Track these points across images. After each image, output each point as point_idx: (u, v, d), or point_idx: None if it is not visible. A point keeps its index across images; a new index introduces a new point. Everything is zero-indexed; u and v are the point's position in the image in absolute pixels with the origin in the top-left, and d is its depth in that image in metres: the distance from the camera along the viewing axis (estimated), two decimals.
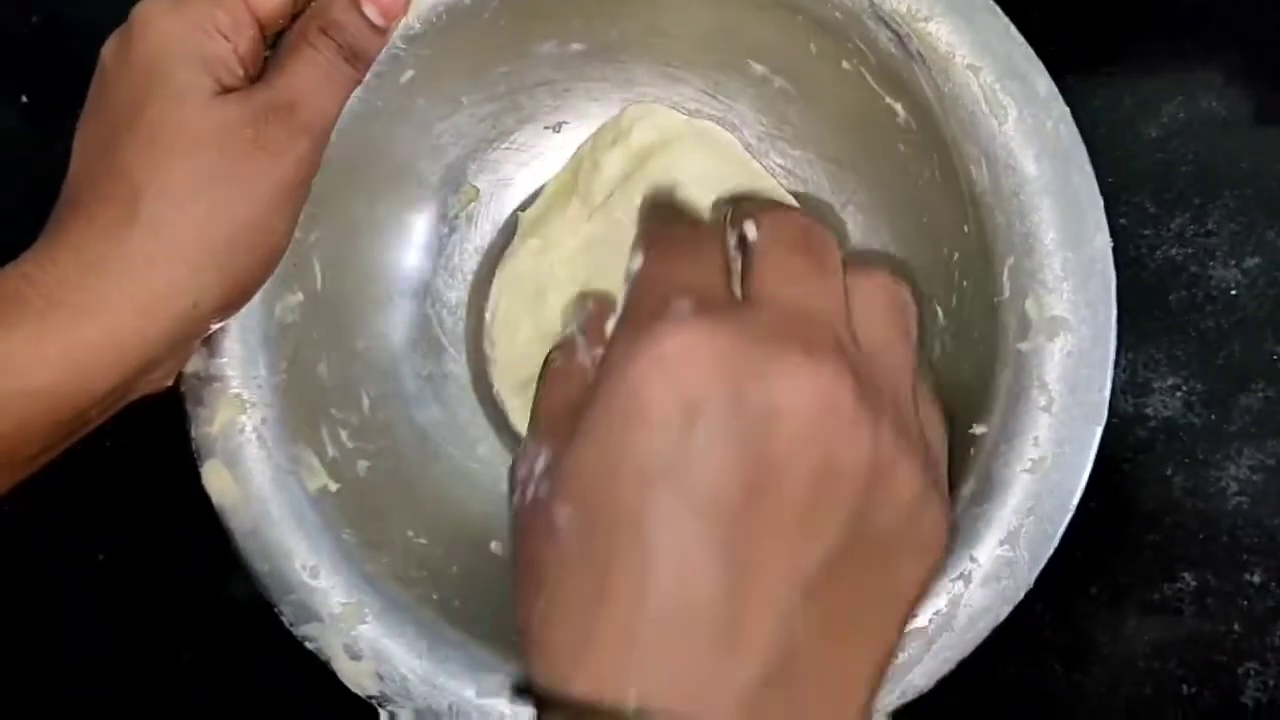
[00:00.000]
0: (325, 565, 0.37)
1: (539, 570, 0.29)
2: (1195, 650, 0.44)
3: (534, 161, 0.44)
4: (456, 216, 0.44)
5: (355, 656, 0.36)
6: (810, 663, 0.27)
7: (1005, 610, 0.36)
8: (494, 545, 0.41)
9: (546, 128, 0.44)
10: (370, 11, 0.37)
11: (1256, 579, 0.44)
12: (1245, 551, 0.44)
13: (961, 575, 0.36)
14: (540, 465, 0.30)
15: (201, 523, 0.37)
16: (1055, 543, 0.36)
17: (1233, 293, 0.45)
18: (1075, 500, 0.36)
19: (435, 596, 0.38)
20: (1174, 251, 0.45)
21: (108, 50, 0.35)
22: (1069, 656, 0.45)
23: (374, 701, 0.36)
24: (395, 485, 0.40)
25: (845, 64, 0.40)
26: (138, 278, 0.32)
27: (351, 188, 0.40)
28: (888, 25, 0.38)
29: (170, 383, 0.37)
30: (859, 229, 0.43)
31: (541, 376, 0.33)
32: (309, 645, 0.36)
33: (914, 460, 0.29)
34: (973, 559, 0.36)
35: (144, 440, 0.40)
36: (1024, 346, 0.37)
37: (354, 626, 0.37)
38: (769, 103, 0.43)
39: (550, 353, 0.34)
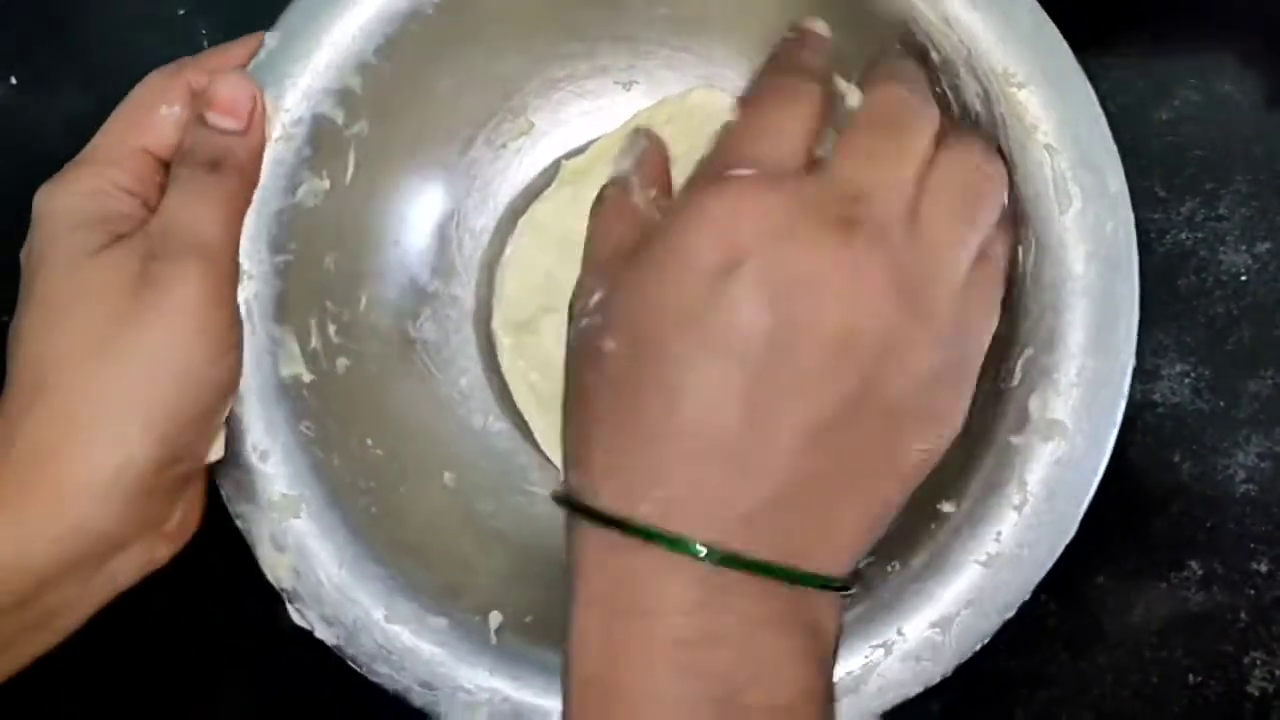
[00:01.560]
0: (277, 452, 0.37)
1: (585, 394, 0.32)
2: (1201, 639, 0.44)
3: (597, 113, 0.43)
4: (504, 145, 0.43)
5: (280, 548, 0.36)
6: (809, 501, 0.31)
7: (915, 690, 0.35)
8: (447, 476, 0.41)
9: (617, 83, 0.43)
10: (216, 120, 0.35)
11: (1264, 567, 0.44)
12: (1253, 540, 0.44)
13: (883, 644, 0.35)
14: (595, 300, 0.33)
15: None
16: (984, 641, 0.35)
17: (1243, 278, 0.44)
18: (1019, 603, 0.35)
19: (374, 510, 0.38)
20: (1184, 236, 0.44)
21: (21, 256, 0.34)
22: (1074, 644, 0.45)
23: (284, 595, 0.36)
24: (368, 392, 0.40)
25: None
26: (55, 449, 0.31)
27: (409, 91, 0.40)
28: (979, 81, 0.37)
29: (164, 556, 0.35)
30: None
31: (594, 213, 0.36)
32: (238, 523, 0.37)
33: (933, 342, 0.31)
34: (900, 632, 0.35)
35: None
36: (1015, 440, 0.36)
37: (287, 519, 0.37)
38: (840, 118, 0.42)
39: (604, 189, 0.37)
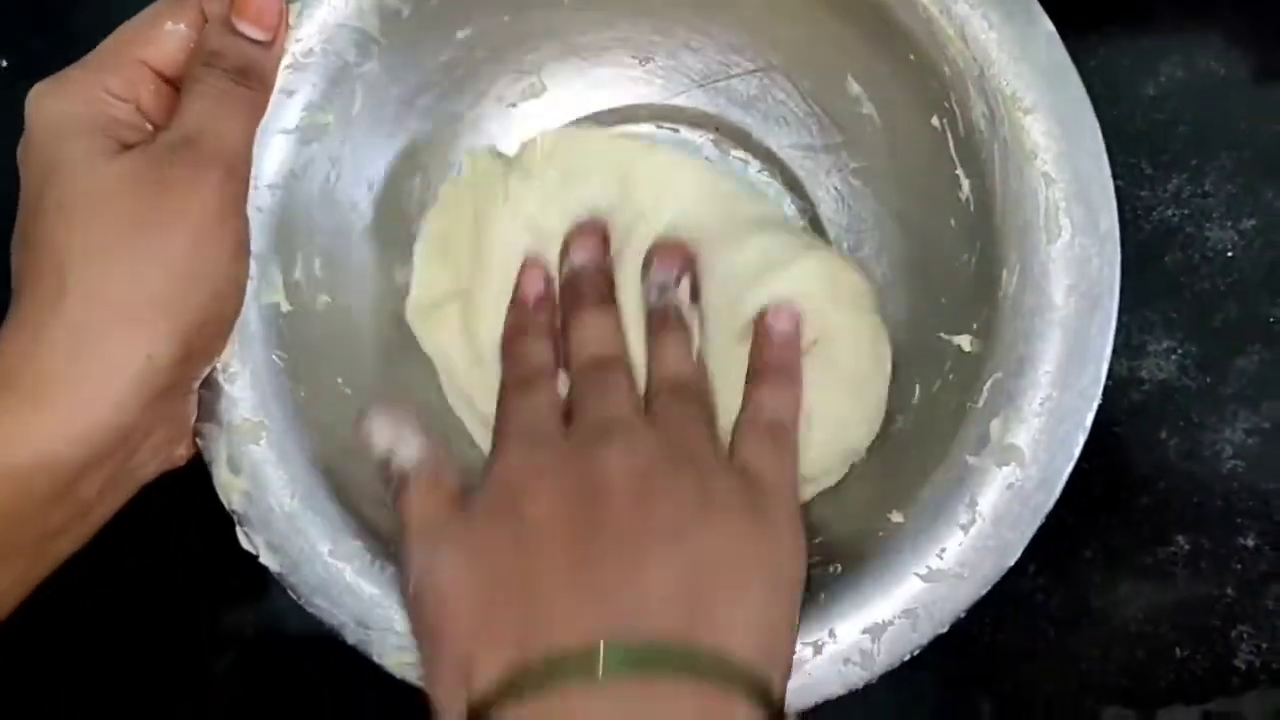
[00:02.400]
0: (245, 376, 0.37)
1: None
2: (1188, 614, 0.44)
3: (610, 83, 0.44)
4: (514, 104, 0.43)
5: (235, 470, 0.37)
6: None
7: (838, 692, 0.36)
8: None
9: (634, 56, 0.43)
10: (245, 28, 0.36)
11: (1250, 542, 0.44)
12: (1239, 515, 0.44)
13: (814, 644, 0.36)
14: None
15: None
16: (914, 652, 0.35)
17: (1229, 254, 0.44)
18: (952, 621, 0.36)
19: (334, 447, 0.38)
20: (1170, 212, 0.45)
21: (18, 154, 0.34)
22: (1061, 620, 0.45)
23: (235, 518, 0.37)
24: (346, 330, 0.40)
25: (935, 120, 0.39)
26: (81, 347, 0.32)
27: (425, 37, 0.40)
28: (987, 101, 0.37)
29: (183, 454, 0.36)
30: (884, 271, 0.43)
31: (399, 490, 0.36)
32: (198, 441, 0.37)
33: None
34: (831, 634, 0.36)
35: None
36: (972, 460, 0.36)
37: (246, 443, 0.37)
38: (851, 122, 0.42)
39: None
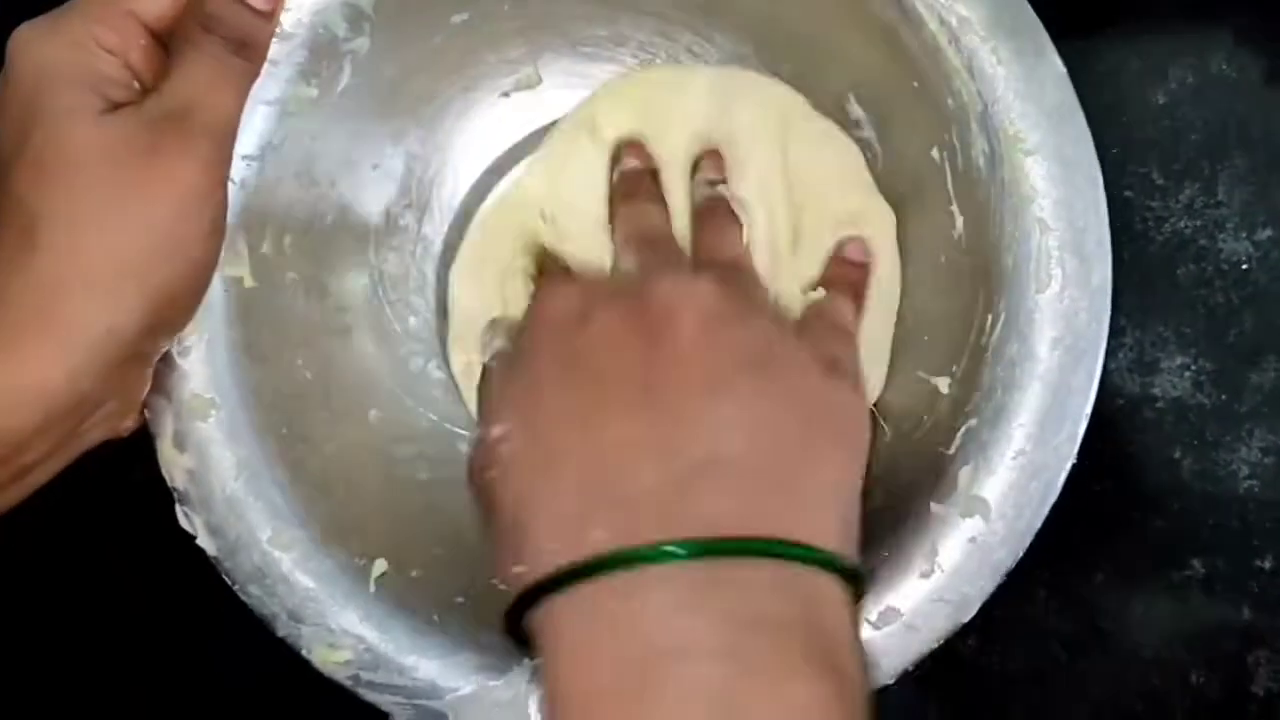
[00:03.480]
0: (200, 350, 0.36)
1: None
2: (1204, 638, 0.43)
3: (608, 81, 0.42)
4: (507, 95, 0.42)
5: (180, 447, 0.36)
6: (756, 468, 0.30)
7: None
8: (372, 414, 0.40)
9: (635, 57, 0.42)
10: None
11: (1267, 565, 0.43)
12: (1256, 536, 0.43)
13: None
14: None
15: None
16: None
17: (1244, 266, 0.43)
18: (899, 673, 0.35)
19: (286, 431, 0.37)
20: (1182, 224, 0.43)
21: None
22: (1073, 645, 0.44)
23: (175, 495, 0.36)
24: (310, 308, 0.39)
25: (934, 153, 0.38)
26: (45, 307, 0.31)
27: (420, 17, 0.39)
28: (989, 138, 0.36)
29: (129, 425, 0.35)
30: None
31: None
32: (145, 413, 0.36)
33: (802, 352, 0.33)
34: None
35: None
36: (936, 508, 0.35)
37: (195, 420, 0.36)
38: None
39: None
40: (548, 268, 0.40)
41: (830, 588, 0.29)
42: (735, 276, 0.36)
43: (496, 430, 0.33)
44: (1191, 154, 0.43)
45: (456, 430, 0.42)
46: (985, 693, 0.44)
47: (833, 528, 0.30)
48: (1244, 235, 0.43)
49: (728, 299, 0.33)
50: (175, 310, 0.34)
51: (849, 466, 0.32)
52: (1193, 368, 0.43)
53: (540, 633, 0.30)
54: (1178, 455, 0.43)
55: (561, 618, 0.29)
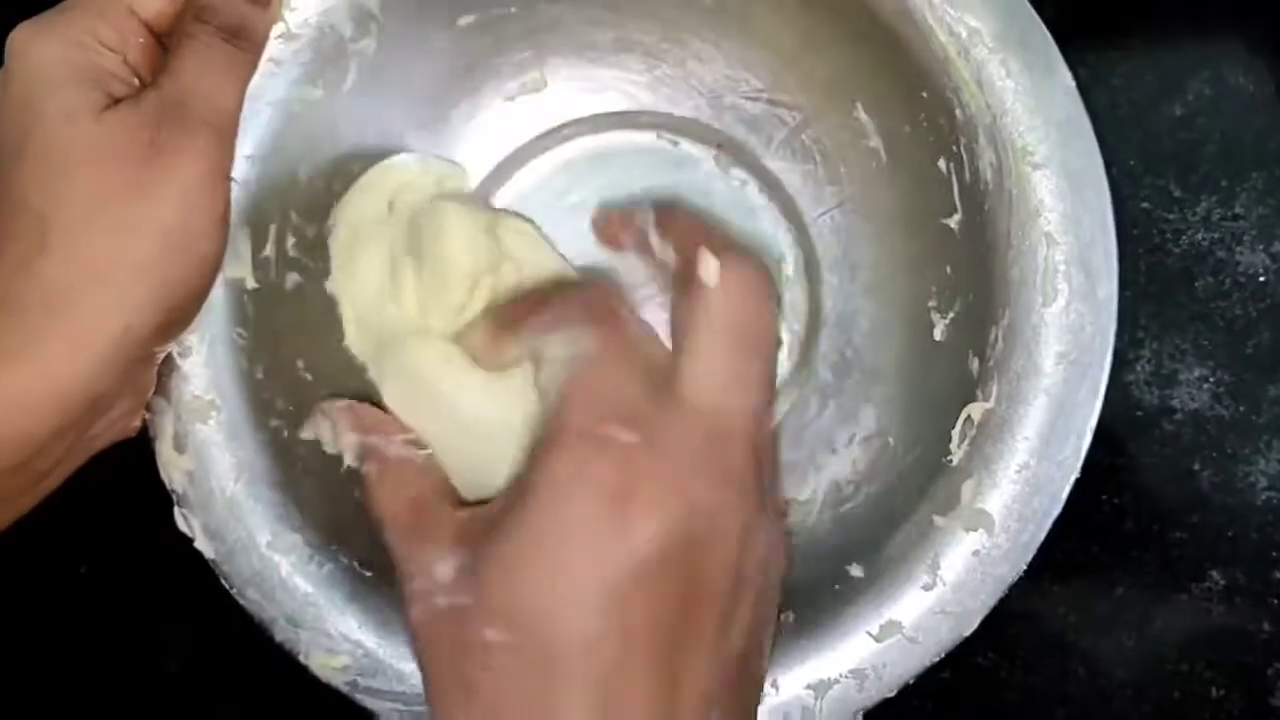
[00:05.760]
0: (202, 353, 0.36)
1: (470, 689, 0.31)
2: (1224, 651, 0.43)
3: (614, 87, 0.42)
4: (512, 99, 0.42)
5: (180, 449, 0.36)
6: None
7: None
8: None
9: (642, 63, 0.42)
10: None
11: None
12: (1276, 549, 0.43)
13: None
14: (446, 573, 0.32)
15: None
16: (857, 715, 0.34)
17: (1261, 279, 0.43)
18: (899, 687, 0.35)
19: (287, 435, 0.37)
20: (1200, 236, 0.43)
21: None
22: (1093, 659, 0.43)
23: (174, 498, 0.36)
24: (313, 314, 0.39)
25: (941, 163, 0.37)
26: (59, 309, 0.30)
27: (427, 19, 0.39)
28: (997, 151, 0.35)
29: (137, 424, 0.35)
30: (875, 309, 0.41)
31: (365, 489, 0.35)
32: (145, 413, 0.36)
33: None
34: (774, 685, 0.35)
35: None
36: (939, 520, 0.35)
37: (194, 422, 0.36)
38: (855, 154, 0.41)
39: (362, 467, 0.36)
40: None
41: None
42: None
43: (450, 568, 0.32)
44: (1209, 166, 0.43)
45: None
46: (1004, 707, 0.43)
47: None
48: (1261, 248, 0.43)
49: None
50: (186, 306, 0.34)
51: None
52: (1211, 380, 0.43)
53: None
54: (1197, 467, 0.43)
55: None
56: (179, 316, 0.33)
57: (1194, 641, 0.43)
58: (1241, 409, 0.43)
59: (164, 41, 0.34)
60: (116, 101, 0.32)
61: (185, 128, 0.32)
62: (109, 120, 0.32)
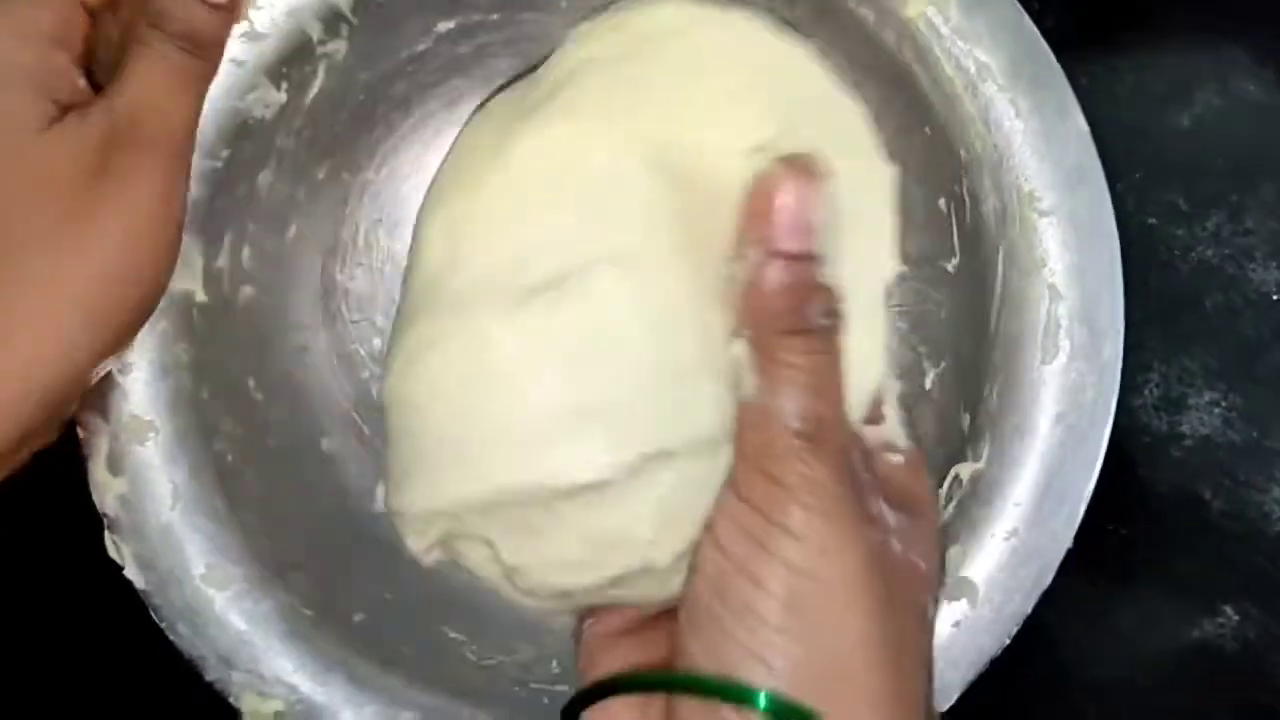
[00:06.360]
0: (142, 369, 0.34)
1: None
2: (1239, 690, 0.42)
3: None
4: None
5: (115, 471, 0.33)
6: None
7: None
8: (325, 442, 0.38)
9: None
10: None
11: None
12: None
13: None
14: None
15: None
16: None
17: (1274, 296, 0.41)
18: None
19: (231, 459, 0.35)
20: (1209, 253, 0.41)
21: None
22: (1104, 696, 0.42)
23: (105, 522, 0.33)
24: (265, 329, 0.37)
25: (941, 203, 0.35)
26: None
27: (403, 24, 0.36)
28: (1001, 195, 0.33)
29: (56, 435, 0.33)
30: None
31: None
32: (79, 431, 0.33)
33: None
34: None
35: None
36: None
37: (132, 443, 0.34)
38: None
39: None
40: None
41: None
42: None
43: None
44: (1218, 179, 0.41)
45: None
46: None
47: None
48: (1273, 264, 0.41)
49: None
50: (122, 337, 0.32)
51: None
52: (1222, 404, 0.41)
53: None
54: (1207, 496, 0.41)
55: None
56: (116, 343, 0.31)
57: (1205, 675, 0.42)
58: (1254, 433, 0.41)
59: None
60: (64, 111, 0.30)
61: (137, 150, 0.30)
62: (54, 139, 0.30)
